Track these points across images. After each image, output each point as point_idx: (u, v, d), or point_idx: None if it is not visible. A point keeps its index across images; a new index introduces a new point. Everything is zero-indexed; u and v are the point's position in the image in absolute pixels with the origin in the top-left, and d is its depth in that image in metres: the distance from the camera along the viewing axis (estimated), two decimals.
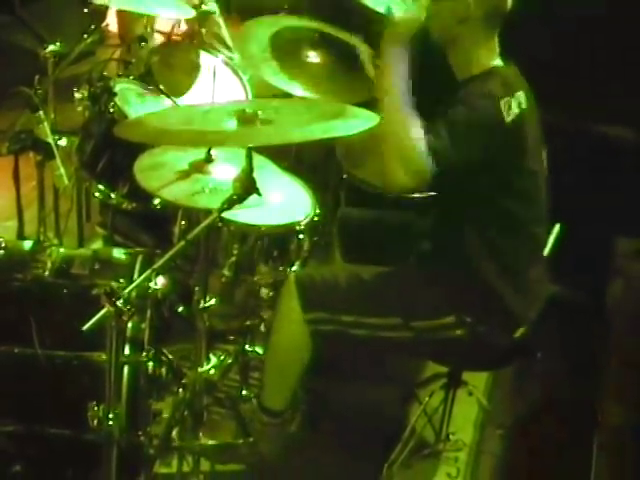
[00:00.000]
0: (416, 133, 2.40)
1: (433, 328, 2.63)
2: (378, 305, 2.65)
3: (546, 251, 2.84)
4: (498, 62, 2.60)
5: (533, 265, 2.67)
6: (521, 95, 2.55)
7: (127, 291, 2.04)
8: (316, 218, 2.94)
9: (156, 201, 2.94)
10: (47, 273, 2.53)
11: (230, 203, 2.24)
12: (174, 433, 2.77)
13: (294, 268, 2.91)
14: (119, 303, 2.02)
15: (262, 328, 3.04)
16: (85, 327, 1.99)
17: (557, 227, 2.91)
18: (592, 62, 3.85)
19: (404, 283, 2.66)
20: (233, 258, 2.93)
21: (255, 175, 2.26)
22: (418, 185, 2.44)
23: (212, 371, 2.79)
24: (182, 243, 2.18)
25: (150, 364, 2.55)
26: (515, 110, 2.49)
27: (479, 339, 2.62)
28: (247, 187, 2.23)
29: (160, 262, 2.14)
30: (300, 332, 2.68)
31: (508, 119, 2.48)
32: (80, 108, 3.30)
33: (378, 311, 2.64)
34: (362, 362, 3.20)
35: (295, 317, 2.67)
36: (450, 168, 2.40)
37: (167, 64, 3.37)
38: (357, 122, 2.36)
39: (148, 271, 2.14)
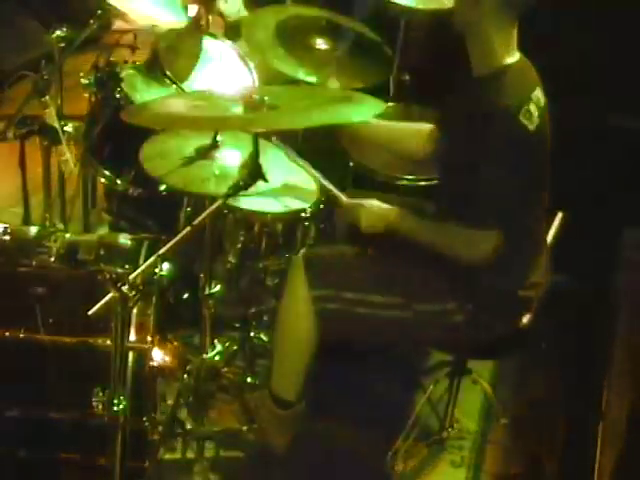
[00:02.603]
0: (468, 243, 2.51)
1: (434, 312, 2.64)
2: (382, 284, 2.66)
3: (549, 239, 2.84)
4: (514, 58, 2.56)
5: (534, 255, 2.67)
6: (538, 92, 2.54)
7: (132, 276, 2.04)
8: (322, 206, 2.94)
9: (162, 187, 2.94)
10: (53, 259, 2.53)
11: (236, 189, 2.23)
12: (179, 419, 2.78)
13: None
14: (124, 288, 2.02)
15: (266, 316, 3.05)
16: (90, 312, 2.00)
17: (559, 215, 2.90)
18: (604, 51, 3.83)
19: (409, 265, 2.65)
20: (239, 245, 2.93)
21: (261, 161, 2.26)
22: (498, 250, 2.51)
23: (217, 358, 2.79)
24: (187, 229, 2.18)
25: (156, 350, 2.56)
26: (535, 114, 2.48)
27: (480, 327, 2.63)
28: (253, 173, 2.23)
29: (165, 248, 2.14)
30: (307, 310, 2.67)
31: (532, 127, 2.47)
32: (86, 94, 3.29)
33: (381, 290, 2.65)
34: (367, 350, 3.20)
35: (302, 295, 2.67)
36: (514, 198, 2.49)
37: (174, 50, 3.36)
38: (363, 109, 2.35)
39: (153, 257, 2.13)
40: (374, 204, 2.64)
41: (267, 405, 2.82)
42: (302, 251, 2.78)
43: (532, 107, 2.48)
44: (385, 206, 2.64)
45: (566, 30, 3.85)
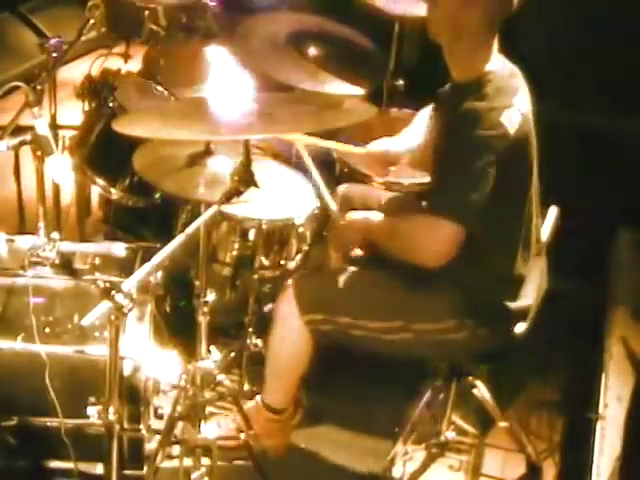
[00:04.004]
0: (425, 229, 2.46)
1: (434, 331, 2.62)
2: (378, 309, 2.63)
3: (544, 235, 2.83)
4: (496, 65, 2.53)
5: (528, 259, 2.66)
6: (520, 98, 2.51)
7: (126, 285, 2.04)
8: (316, 212, 2.94)
9: (156, 195, 2.95)
10: (48, 268, 2.53)
11: (229, 196, 2.23)
12: (176, 428, 2.78)
13: (294, 263, 2.90)
14: (118, 297, 2.01)
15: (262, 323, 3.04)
16: (84, 321, 1.99)
17: (553, 210, 2.89)
18: (593, 53, 3.85)
19: (404, 286, 2.62)
20: (234, 252, 2.93)
21: (253, 168, 2.26)
22: (451, 254, 2.46)
23: (213, 365, 2.79)
24: (181, 237, 2.18)
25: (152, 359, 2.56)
26: (517, 119, 2.46)
27: (479, 340, 2.62)
28: (246, 180, 2.23)
29: (160, 256, 2.14)
30: (298, 335, 2.66)
31: (512, 131, 2.44)
32: (81, 103, 3.30)
33: (378, 315, 2.62)
34: (363, 354, 3.19)
35: (293, 321, 2.65)
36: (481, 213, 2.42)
37: (167, 58, 3.37)
38: (355, 113, 2.35)
39: (147, 265, 2.13)
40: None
41: (261, 411, 2.83)
42: (292, 275, 2.78)
43: (514, 112, 2.46)
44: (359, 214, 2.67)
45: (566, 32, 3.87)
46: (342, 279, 2.71)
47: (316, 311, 2.64)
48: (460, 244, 2.43)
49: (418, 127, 2.92)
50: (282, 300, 2.71)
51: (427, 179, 2.95)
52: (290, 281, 2.71)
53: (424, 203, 2.78)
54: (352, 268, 2.75)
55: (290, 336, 2.69)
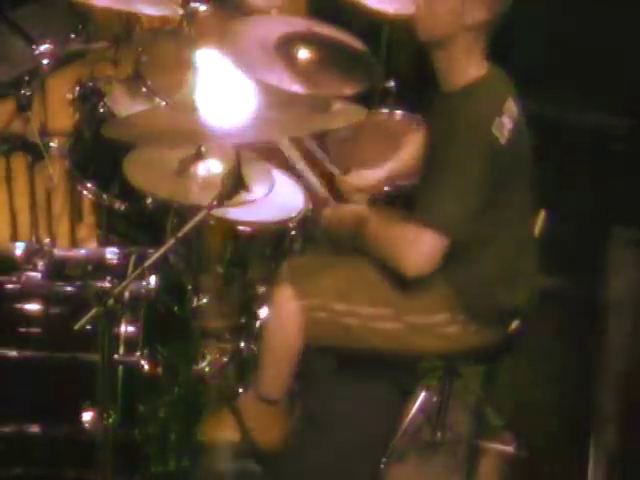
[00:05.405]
0: (408, 239, 2.45)
1: (425, 324, 2.63)
2: (371, 295, 2.64)
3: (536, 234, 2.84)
4: (483, 69, 2.50)
5: (522, 258, 2.66)
6: (510, 103, 2.49)
7: (117, 290, 2.04)
8: (308, 214, 2.95)
9: (148, 200, 2.94)
10: (40, 275, 2.53)
11: (219, 200, 2.24)
12: (170, 432, 2.78)
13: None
14: (110, 302, 2.02)
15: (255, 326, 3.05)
16: (76, 326, 1.99)
17: (542, 213, 2.90)
18: (584, 52, 3.86)
19: (398, 277, 2.60)
20: (226, 256, 2.93)
21: (244, 171, 2.26)
22: (433, 265, 2.45)
23: (207, 369, 2.79)
24: (172, 241, 2.18)
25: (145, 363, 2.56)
26: (508, 126, 2.44)
27: (471, 336, 2.63)
28: (236, 184, 2.23)
29: (150, 260, 2.14)
30: (295, 320, 2.65)
31: (503, 140, 2.42)
32: (71, 109, 3.30)
33: (371, 301, 2.63)
34: (358, 354, 3.20)
35: (290, 306, 2.65)
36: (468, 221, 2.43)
37: (157, 62, 3.36)
38: (345, 116, 2.35)
39: (138, 270, 2.14)
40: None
41: (255, 404, 2.82)
42: (289, 260, 2.78)
43: (505, 119, 2.44)
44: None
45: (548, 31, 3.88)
46: (339, 265, 2.72)
47: (312, 296, 2.64)
48: (442, 255, 2.44)
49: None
50: (279, 285, 2.70)
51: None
52: (286, 265, 2.71)
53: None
54: (347, 255, 2.76)
55: (286, 320, 2.68)
